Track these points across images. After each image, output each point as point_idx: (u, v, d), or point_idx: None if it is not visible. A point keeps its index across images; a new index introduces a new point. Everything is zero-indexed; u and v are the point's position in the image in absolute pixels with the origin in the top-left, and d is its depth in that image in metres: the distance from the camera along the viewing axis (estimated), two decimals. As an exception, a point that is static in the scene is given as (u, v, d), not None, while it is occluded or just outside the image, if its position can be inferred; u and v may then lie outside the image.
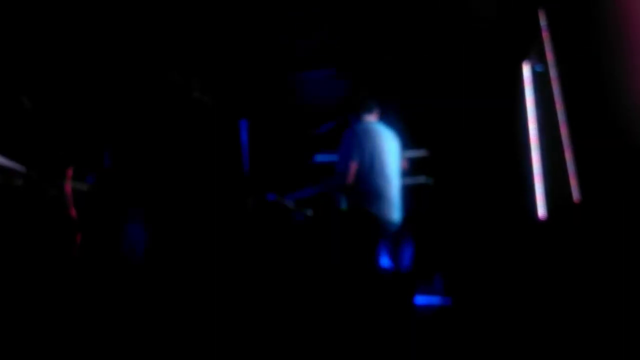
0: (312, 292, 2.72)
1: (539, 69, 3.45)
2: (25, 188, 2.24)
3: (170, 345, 2.45)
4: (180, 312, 2.68)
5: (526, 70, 3.97)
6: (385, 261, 4.90)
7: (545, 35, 3.25)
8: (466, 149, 5.85)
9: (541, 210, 3.75)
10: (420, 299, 4.98)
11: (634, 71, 2.15)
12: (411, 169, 4.56)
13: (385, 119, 3.50)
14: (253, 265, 2.84)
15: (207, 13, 3.60)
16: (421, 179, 4.77)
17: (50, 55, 3.26)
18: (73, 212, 2.39)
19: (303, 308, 2.62)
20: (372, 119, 3.38)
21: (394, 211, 3.18)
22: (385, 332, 2.53)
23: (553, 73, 3.10)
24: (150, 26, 3.81)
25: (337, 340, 2.35)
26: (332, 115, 3.59)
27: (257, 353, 2.40)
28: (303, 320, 2.52)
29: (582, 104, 2.75)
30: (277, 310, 2.68)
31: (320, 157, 5.22)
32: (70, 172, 2.42)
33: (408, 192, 4.92)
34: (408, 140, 4.90)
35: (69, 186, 2.41)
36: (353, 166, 3.09)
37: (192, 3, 3.49)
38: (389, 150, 3.28)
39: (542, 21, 3.31)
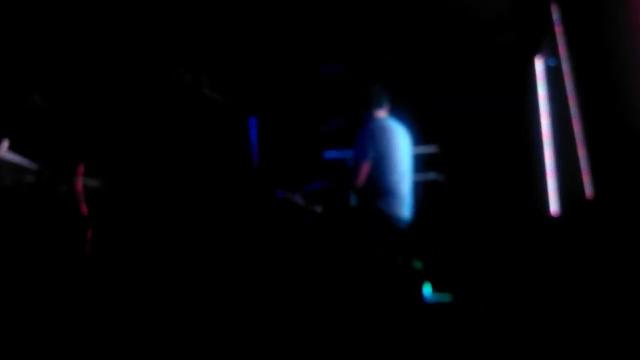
0: (320, 287, 2.72)
1: (552, 63, 3.43)
2: (37, 185, 2.28)
3: (172, 341, 2.49)
4: (186, 307, 2.72)
5: (539, 65, 3.95)
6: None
7: (558, 29, 3.23)
8: (478, 145, 5.83)
9: (554, 207, 3.74)
10: (430, 296, 4.99)
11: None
12: (424, 165, 4.57)
13: (396, 114, 3.50)
14: (261, 261, 2.87)
15: (216, 10, 3.63)
16: (432, 175, 4.78)
17: (62, 53, 3.31)
18: (84, 209, 2.43)
19: (309, 303, 2.63)
20: (383, 115, 3.39)
21: (405, 208, 3.19)
22: (393, 329, 2.53)
23: (566, 67, 3.08)
24: (159, 24, 3.85)
25: (344, 337, 2.36)
26: (342, 112, 3.59)
27: (259, 351, 2.42)
28: (308, 316, 2.53)
29: (595, 98, 2.73)
30: (284, 306, 2.70)
31: (330, 154, 5.25)
32: (81, 169, 2.46)
33: (419, 188, 4.95)
34: (420, 136, 4.91)
35: (79, 183, 2.45)
36: (366, 166, 3.11)
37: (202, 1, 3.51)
38: (402, 146, 3.29)
39: (555, 15, 3.29)
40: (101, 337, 2.29)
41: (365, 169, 3.11)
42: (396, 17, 3.77)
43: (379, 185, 3.13)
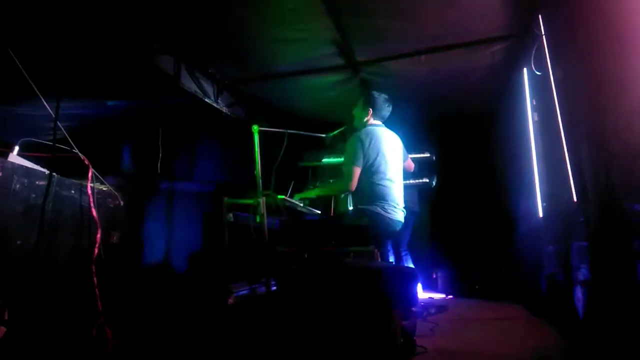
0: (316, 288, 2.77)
1: (538, 72, 3.53)
2: (47, 189, 2.32)
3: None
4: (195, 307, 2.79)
5: (526, 74, 4.05)
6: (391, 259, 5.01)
7: (545, 39, 3.33)
8: (468, 152, 5.96)
9: (540, 210, 3.83)
10: (423, 295, 5.08)
11: (632, 76, 2.23)
12: (417, 170, 4.65)
13: (387, 121, 3.60)
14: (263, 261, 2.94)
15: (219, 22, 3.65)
16: (425, 180, 4.85)
17: (71, 58, 3.32)
18: (94, 212, 2.49)
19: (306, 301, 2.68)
20: (376, 122, 3.49)
21: (398, 211, 3.26)
22: (385, 326, 2.59)
23: (552, 77, 3.18)
24: (170, 37, 3.87)
25: (336, 336, 2.43)
26: (339, 118, 3.67)
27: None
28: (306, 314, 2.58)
29: (580, 107, 2.82)
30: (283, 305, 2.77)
31: (328, 159, 5.33)
32: (90, 172, 2.52)
33: (412, 193, 5.04)
34: (414, 144, 5.01)
35: (89, 186, 2.51)
36: (357, 170, 3.20)
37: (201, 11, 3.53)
38: (392, 151, 3.37)
39: (542, 25, 3.40)
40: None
41: (357, 173, 3.20)
42: (386, 24, 3.80)
43: (372, 189, 3.21)
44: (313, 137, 3.61)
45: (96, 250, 2.47)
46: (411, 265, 4.98)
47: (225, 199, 3.10)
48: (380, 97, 3.49)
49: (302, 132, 3.39)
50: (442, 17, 3.62)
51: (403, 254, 5.09)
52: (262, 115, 5.50)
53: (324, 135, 3.56)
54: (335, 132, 3.57)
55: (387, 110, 3.50)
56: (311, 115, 5.60)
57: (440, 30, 3.84)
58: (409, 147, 4.83)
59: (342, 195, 4.32)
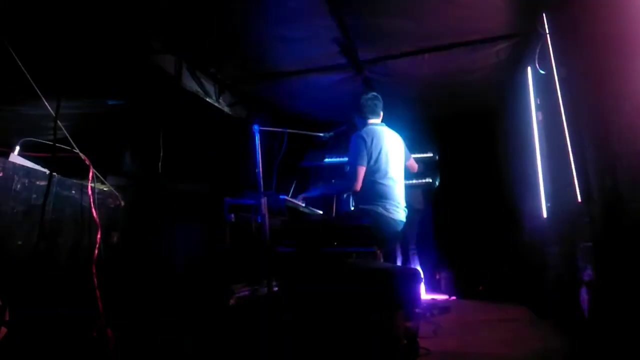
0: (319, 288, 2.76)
1: (542, 72, 3.51)
2: (48, 189, 2.31)
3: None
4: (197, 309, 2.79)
5: (530, 74, 4.03)
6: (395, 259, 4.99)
7: (549, 39, 3.31)
8: (471, 151, 5.93)
9: (544, 211, 3.81)
10: (426, 296, 5.07)
11: (636, 75, 2.21)
12: (420, 170, 4.64)
13: (390, 120, 3.58)
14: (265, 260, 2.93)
15: (217, 20, 3.64)
16: (428, 180, 4.83)
17: (72, 57, 3.32)
18: (94, 213, 2.48)
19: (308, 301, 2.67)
20: (376, 121, 3.48)
21: (400, 210, 3.25)
22: (388, 327, 2.59)
23: (556, 76, 3.16)
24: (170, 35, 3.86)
25: (341, 335, 2.42)
26: (342, 118, 3.65)
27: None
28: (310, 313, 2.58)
29: (584, 106, 2.81)
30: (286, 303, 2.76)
31: (330, 159, 5.32)
32: (91, 172, 2.51)
33: (416, 192, 5.02)
34: (417, 143, 4.98)
35: (90, 187, 2.50)
36: (362, 170, 3.19)
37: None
38: (393, 151, 3.37)
39: (546, 24, 3.38)
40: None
41: (361, 173, 3.19)
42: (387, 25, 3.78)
43: (374, 189, 3.20)
44: (316, 137, 3.59)
45: (96, 251, 2.46)
46: (418, 266, 4.96)
47: (227, 199, 3.09)
48: (367, 96, 3.49)
49: (301, 132, 3.37)
50: (446, 15, 3.60)
51: (411, 253, 5.07)
52: (264, 115, 5.49)
53: (321, 134, 3.54)
54: (332, 132, 3.55)
55: (378, 106, 3.49)
56: (314, 115, 5.58)
57: (444, 29, 3.82)
58: (412, 147, 4.82)
59: (345, 195, 4.31)
